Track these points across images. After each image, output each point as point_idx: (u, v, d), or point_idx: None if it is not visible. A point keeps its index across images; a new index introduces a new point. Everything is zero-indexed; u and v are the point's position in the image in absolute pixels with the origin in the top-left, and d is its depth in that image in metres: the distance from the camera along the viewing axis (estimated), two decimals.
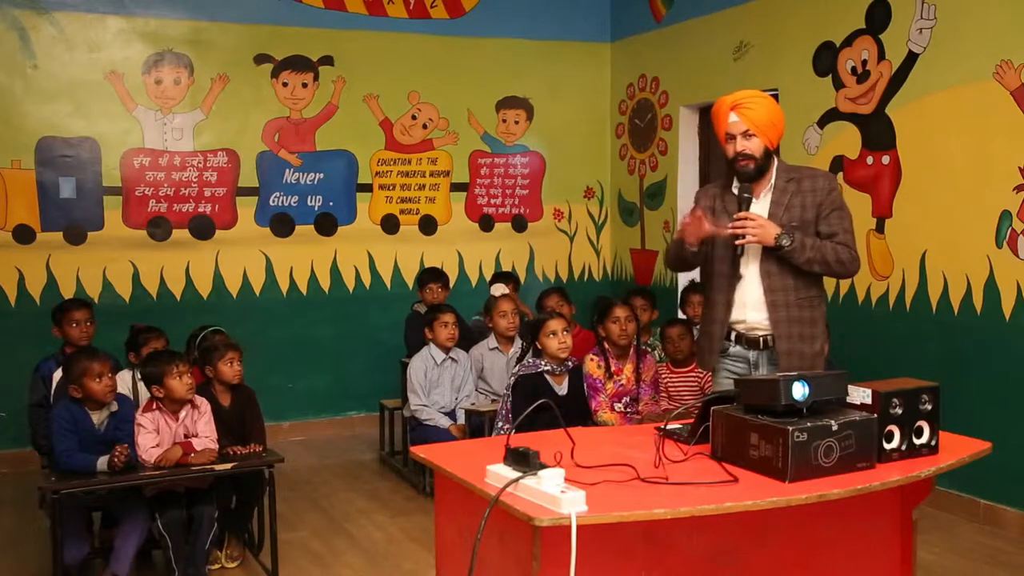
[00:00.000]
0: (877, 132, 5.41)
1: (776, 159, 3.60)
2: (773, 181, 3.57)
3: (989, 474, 4.58)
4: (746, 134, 3.47)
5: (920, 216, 5.17)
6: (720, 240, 3.57)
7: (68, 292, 6.24)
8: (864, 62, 5.47)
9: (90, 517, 4.21)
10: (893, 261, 5.34)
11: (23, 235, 6.28)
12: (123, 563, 3.93)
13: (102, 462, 3.80)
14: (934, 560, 4.36)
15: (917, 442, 2.66)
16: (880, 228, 5.41)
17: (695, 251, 3.58)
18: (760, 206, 3.56)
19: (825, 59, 5.74)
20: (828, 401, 2.60)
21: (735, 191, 3.58)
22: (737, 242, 3.46)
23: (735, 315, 3.59)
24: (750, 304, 3.56)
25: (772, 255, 3.49)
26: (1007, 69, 4.67)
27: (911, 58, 5.18)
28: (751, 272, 3.55)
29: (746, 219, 3.45)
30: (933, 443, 2.68)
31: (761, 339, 3.56)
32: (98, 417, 4.00)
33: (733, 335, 3.62)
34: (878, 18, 5.37)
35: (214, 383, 4.46)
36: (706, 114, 6.69)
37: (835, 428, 2.45)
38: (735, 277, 3.56)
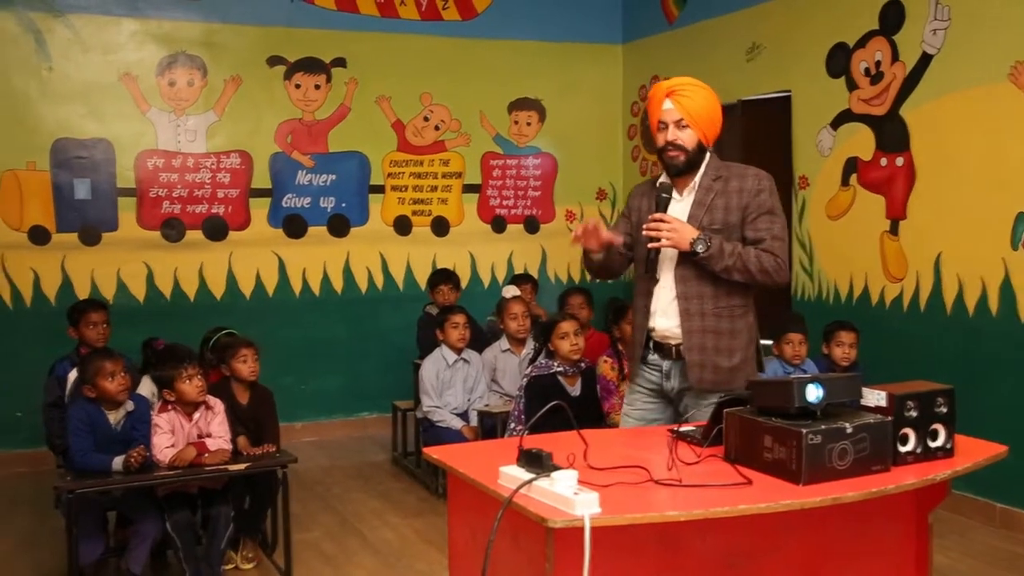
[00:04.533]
0: (891, 133, 5.39)
1: (710, 155, 3.33)
2: (699, 179, 3.30)
3: (1005, 477, 4.55)
4: (679, 123, 3.25)
5: (935, 218, 5.15)
6: (640, 241, 3.33)
7: (83, 293, 6.28)
8: (878, 63, 5.45)
9: (105, 517, 4.22)
10: (907, 263, 5.31)
11: (38, 236, 6.32)
12: (138, 562, 3.95)
13: (117, 462, 3.82)
14: (950, 564, 4.34)
15: (932, 445, 2.64)
16: (894, 230, 5.39)
17: (600, 258, 3.39)
18: (682, 205, 3.31)
19: (838, 60, 5.72)
20: (842, 403, 2.58)
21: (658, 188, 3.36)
22: (650, 246, 3.21)
23: (650, 322, 3.35)
24: (661, 310, 3.31)
25: (689, 260, 3.23)
26: (1022, 70, 4.64)
27: (925, 59, 5.16)
28: (666, 277, 3.30)
29: (660, 221, 3.20)
30: (948, 446, 2.66)
31: (674, 348, 3.30)
32: (114, 416, 4.01)
33: (651, 342, 3.37)
34: (892, 19, 5.35)
35: (232, 381, 4.48)
36: None
37: (849, 431, 2.44)
38: (651, 281, 3.32)
